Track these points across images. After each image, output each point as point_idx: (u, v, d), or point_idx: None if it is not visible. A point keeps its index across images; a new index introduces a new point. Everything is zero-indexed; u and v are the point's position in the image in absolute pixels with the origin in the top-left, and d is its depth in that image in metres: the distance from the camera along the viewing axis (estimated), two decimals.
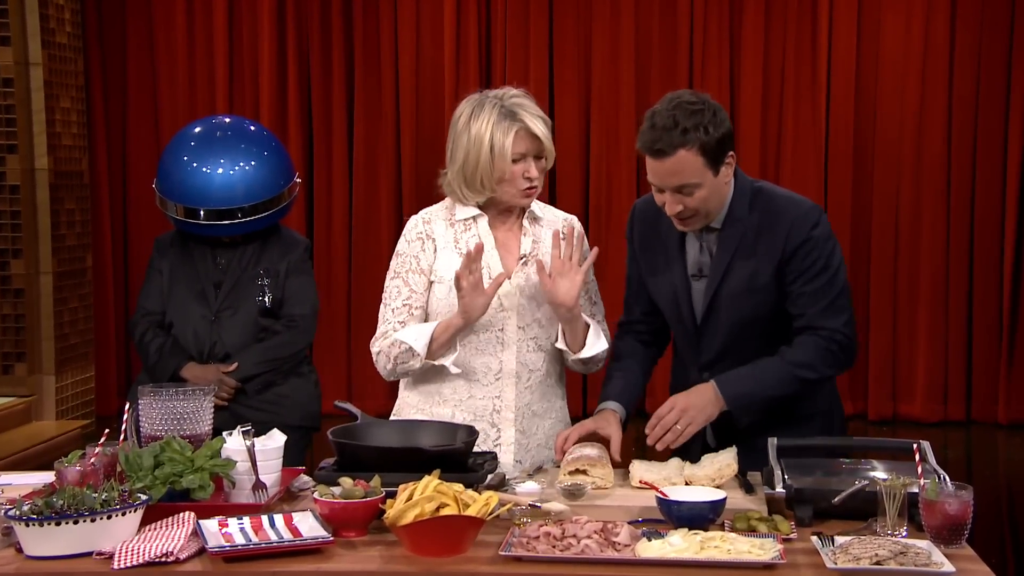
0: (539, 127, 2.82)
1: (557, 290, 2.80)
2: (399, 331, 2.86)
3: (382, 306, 2.94)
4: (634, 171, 7.33)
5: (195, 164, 3.69)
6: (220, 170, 3.67)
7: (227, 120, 4.07)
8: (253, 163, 3.72)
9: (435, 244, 2.90)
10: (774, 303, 2.79)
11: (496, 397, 2.89)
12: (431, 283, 2.90)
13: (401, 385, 3.06)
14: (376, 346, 2.91)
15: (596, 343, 2.93)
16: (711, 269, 2.80)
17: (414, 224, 2.95)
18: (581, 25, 7.34)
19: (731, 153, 2.72)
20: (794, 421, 2.82)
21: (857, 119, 7.26)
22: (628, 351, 3.01)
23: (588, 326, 2.92)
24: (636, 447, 4.21)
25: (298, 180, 3.87)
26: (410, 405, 2.98)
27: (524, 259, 2.91)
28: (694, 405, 2.72)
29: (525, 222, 2.95)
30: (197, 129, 3.85)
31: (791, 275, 2.75)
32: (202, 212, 3.62)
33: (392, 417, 3.04)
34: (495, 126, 2.79)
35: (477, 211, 2.91)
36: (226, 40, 7.37)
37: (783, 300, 2.79)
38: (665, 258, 2.87)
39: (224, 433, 2.51)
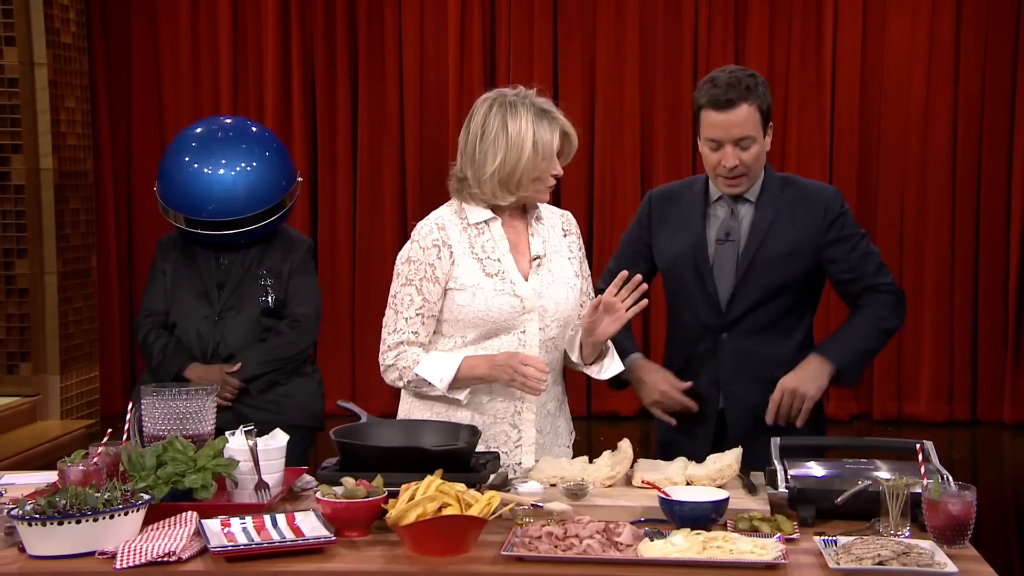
0: (570, 127, 2.87)
1: (598, 326, 2.82)
2: (420, 363, 2.82)
3: (391, 312, 2.88)
4: (638, 169, 7.33)
5: (196, 165, 3.68)
6: (221, 171, 3.67)
7: (228, 121, 4.07)
8: (255, 164, 3.71)
9: (452, 251, 2.85)
10: (806, 270, 3.05)
11: (519, 399, 2.87)
12: (447, 291, 2.86)
13: (405, 394, 3.03)
14: (388, 359, 2.86)
15: (612, 365, 2.94)
16: (750, 234, 3.02)
17: (428, 231, 2.88)
18: (585, 24, 7.33)
19: (771, 124, 3.01)
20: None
21: (862, 118, 7.24)
22: None
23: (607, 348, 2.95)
24: (640, 447, 4.21)
25: (300, 180, 3.87)
26: (424, 407, 2.94)
27: (538, 260, 2.90)
28: (803, 380, 2.94)
29: (532, 222, 2.94)
30: (198, 130, 3.84)
31: (835, 244, 3.04)
32: (204, 224, 3.62)
33: (399, 417, 3.03)
34: (536, 126, 2.79)
35: (490, 214, 2.88)
36: (230, 40, 7.37)
37: (814, 268, 3.05)
38: (687, 228, 3.09)
39: (227, 433, 2.51)
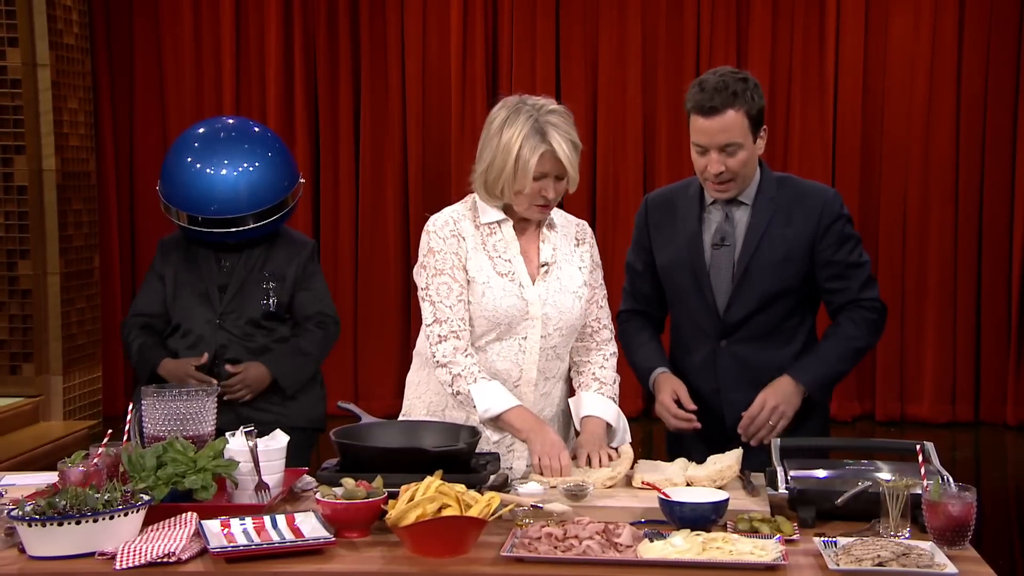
0: (565, 151, 2.77)
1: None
2: (478, 383, 2.78)
3: (428, 305, 2.84)
4: (641, 171, 7.32)
5: (199, 165, 3.68)
6: (224, 171, 3.67)
7: (231, 121, 4.06)
8: (257, 164, 3.71)
9: (467, 243, 2.86)
10: (804, 275, 2.99)
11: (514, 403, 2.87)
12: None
13: (411, 384, 3.04)
14: (441, 354, 2.80)
15: (618, 436, 2.94)
16: (745, 239, 2.97)
17: (444, 222, 2.89)
18: (587, 25, 7.33)
19: (764, 127, 2.94)
20: (798, 416, 2.93)
21: (865, 118, 7.23)
22: (643, 327, 3.18)
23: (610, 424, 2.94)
24: (643, 448, 4.21)
25: (302, 181, 3.87)
26: (422, 406, 2.97)
27: (546, 267, 2.90)
28: (783, 400, 2.90)
29: (544, 229, 2.94)
30: (201, 130, 3.84)
31: (827, 251, 2.97)
32: (207, 220, 3.62)
33: (401, 416, 3.03)
34: (524, 140, 2.75)
35: (502, 215, 2.88)
36: (233, 41, 7.37)
37: (811, 274, 2.99)
38: (684, 233, 3.03)
39: (227, 433, 2.51)
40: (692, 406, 2.94)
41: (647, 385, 3.07)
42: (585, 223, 3.05)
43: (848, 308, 3.00)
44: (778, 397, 2.90)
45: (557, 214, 2.98)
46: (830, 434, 3.11)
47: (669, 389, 2.98)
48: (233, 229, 3.63)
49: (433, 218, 2.92)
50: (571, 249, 2.96)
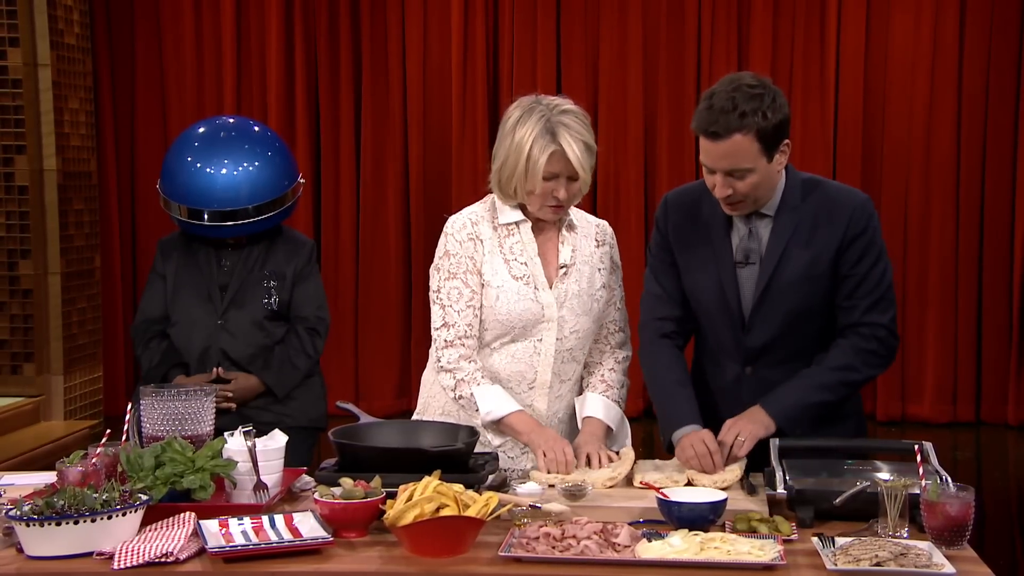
0: (576, 151, 2.75)
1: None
2: (483, 386, 2.80)
3: (438, 308, 2.85)
4: (642, 172, 7.32)
5: (199, 164, 3.69)
6: (224, 170, 3.67)
7: (231, 121, 4.07)
8: (257, 163, 3.72)
9: (484, 246, 2.85)
10: (829, 293, 2.75)
11: (528, 406, 2.87)
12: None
13: (426, 383, 3.04)
14: (446, 359, 2.82)
15: (618, 437, 2.94)
16: (765, 256, 2.74)
17: (462, 224, 2.88)
18: (588, 26, 7.32)
19: (787, 141, 2.69)
20: (830, 421, 2.80)
21: (866, 118, 7.23)
22: (674, 361, 2.88)
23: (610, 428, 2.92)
24: (643, 448, 4.20)
25: (302, 181, 3.87)
26: (438, 406, 2.97)
27: (565, 269, 2.89)
28: (743, 427, 2.67)
29: (563, 230, 2.92)
30: (201, 130, 3.85)
31: (847, 264, 2.73)
32: (206, 214, 3.62)
33: (415, 415, 3.04)
34: (535, 140, 2.74)
35: (520, 216, 2.87)
36: (234, 41, 7.37)
37: (836, 291, 2.76)
38: (708, 246, 2.79)
39: (226, 433, 2.52)
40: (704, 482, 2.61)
41: (667, 435, 2.79)
42: (606, 224, 3.03)
43: (845, 334, 2.75)
44: (740, 424, 2.68)
45: (577, 215, 2.97)
46: (867, 433, 3.00)
47: (688, 453, 2.68)
48: (232, 223, 3.63)
49: (451, 219, 2.91)
50: (591, 251, 2.95)
